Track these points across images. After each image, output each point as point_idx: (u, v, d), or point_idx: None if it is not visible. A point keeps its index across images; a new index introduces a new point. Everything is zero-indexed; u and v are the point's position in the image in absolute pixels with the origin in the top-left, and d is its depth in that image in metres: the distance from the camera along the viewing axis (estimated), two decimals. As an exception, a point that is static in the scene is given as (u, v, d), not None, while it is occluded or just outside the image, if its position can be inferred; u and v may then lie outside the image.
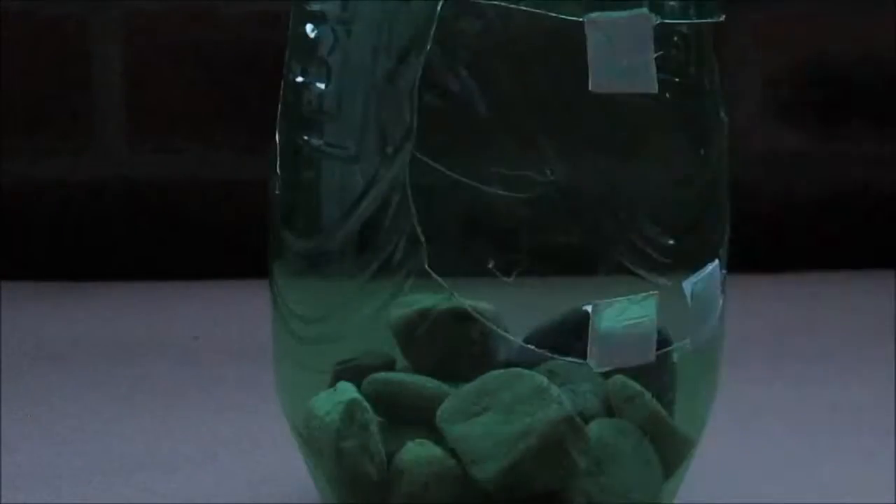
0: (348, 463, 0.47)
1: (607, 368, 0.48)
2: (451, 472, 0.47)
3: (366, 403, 0.48)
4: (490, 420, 0.47)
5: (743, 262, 1.01)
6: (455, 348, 0.51)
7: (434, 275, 0.47)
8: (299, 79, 0.50)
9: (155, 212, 0.98)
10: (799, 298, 0.92)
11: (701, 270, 0.50)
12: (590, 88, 0.46)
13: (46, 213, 0.98)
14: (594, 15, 0.46)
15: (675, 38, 0.50)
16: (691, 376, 0.51)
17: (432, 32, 0.47)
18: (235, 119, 0.97)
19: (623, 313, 0.47)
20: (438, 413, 0.47)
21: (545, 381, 0.47)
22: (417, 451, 0.47)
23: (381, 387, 0.49)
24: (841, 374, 0.75)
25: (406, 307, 0.50)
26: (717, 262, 0.50)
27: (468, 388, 0.48)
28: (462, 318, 0.49)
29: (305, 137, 0.50)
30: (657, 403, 0.50)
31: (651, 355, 0.48)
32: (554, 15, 0.47)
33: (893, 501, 0.56)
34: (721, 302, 0.51)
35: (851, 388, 0.72)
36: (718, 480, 0.59)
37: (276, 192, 0.51)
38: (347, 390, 0.48)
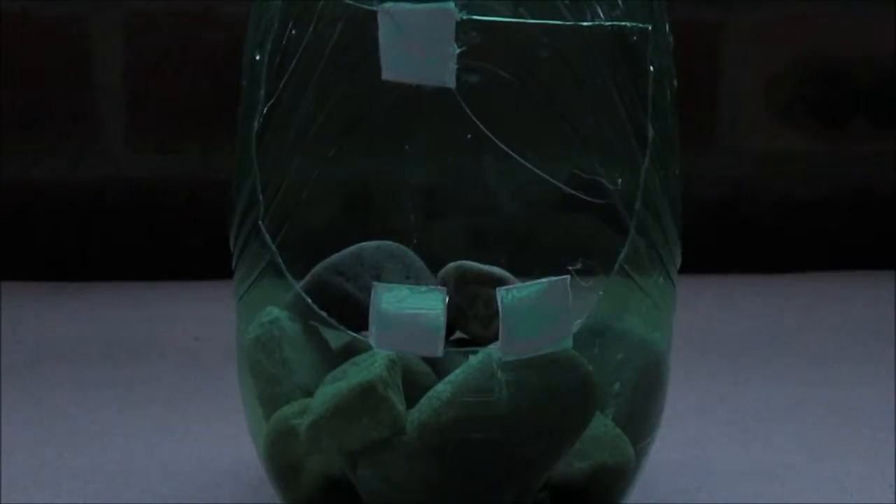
0: (250, 351, 0.52)
1: (387, 350, 0.49)
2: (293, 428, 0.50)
3: (280, 315, 0.52)
4: (339, 384, 0.49)
5: (743, 262, 1.01)
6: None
7: (271, 244, 0.51)
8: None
9: (155, 212, 0.98)
10: (799, 298, 0.92)
11: (526, 283, 0.48)
12: (382, 77, 0.47)
13: (46, 213, 0.98)
14: (388, 5, 0.46)
15: (634, 38, 0.51)
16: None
17: (275, 25, 0.51)
18: (235, 119, 0.97)
19: (403, 300, 0.48)
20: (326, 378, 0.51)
21: (389, 357, 0.49)
22: (282, 410, 0.51)
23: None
24: (841, 374, 0.75)
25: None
26: (564, 278, 0.48)
27: (349, 361, 0.50)
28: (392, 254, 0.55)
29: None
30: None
31: (437, 350, 0.48)
32: (351, 2, 0.47)
33: (893, 501, 0.57)
34: (564, 318, 0.48)
35: (852, 388, 0.72)
36: (719, 480, 0.59)
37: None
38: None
